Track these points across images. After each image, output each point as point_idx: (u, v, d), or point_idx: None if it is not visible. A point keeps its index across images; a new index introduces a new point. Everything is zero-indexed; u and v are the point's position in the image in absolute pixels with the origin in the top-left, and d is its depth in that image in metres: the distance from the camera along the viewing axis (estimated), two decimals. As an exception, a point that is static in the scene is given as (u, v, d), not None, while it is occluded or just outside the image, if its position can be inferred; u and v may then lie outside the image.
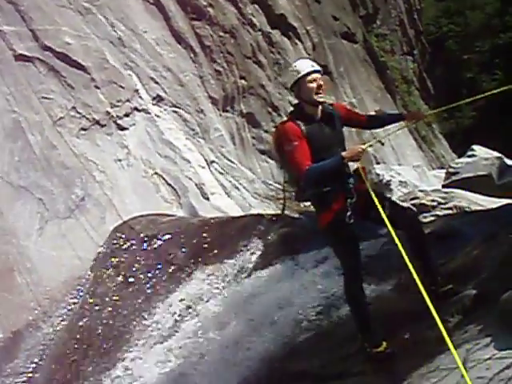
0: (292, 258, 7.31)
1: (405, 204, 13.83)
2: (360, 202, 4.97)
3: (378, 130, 5.91)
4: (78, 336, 8.81)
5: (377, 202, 4.70)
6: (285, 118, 15.26)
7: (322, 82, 5.11)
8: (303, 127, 5.00)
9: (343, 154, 4.86)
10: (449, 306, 5.38)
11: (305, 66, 5.15)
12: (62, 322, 9.24)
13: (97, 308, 8.98)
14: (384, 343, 5.04)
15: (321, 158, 4.90)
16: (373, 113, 5.77)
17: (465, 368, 4.18)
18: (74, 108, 11.42)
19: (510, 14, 34.07)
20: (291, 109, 5.39)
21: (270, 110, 16.71)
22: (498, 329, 4.42)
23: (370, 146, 4.98)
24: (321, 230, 5.17)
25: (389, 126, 5.59)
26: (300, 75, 5.10)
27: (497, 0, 36.39)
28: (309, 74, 5.10)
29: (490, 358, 4.12)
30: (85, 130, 11.45)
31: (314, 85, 5.07)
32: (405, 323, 5.47)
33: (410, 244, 5.04)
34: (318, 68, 5.16)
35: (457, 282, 5.64)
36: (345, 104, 5.47)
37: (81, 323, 8.98)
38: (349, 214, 4.89)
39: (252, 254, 7.97)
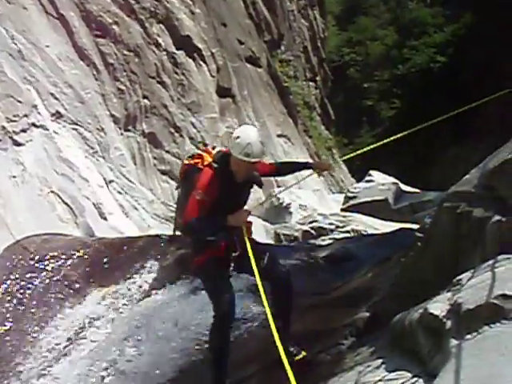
0: (188, 280, 7.25)
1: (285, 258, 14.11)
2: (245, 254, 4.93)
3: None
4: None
5: (251, 255, 4.68)
6: (187, 141, 15.22)
7: (252, 169, 5.06)
8: (220, 186, 4.92)
9: (229, 217, 4.87)
10: (342, 329, 5.48)
11: (258, 152, 4.92)
12: None
13: (-15, 331, 8.56)
14: None
15: (220, 210, 4.88)
16: (284, 160, 5.80)
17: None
18: (-32, 121, 10.98)
19: (407, 47, 35.65)
20: (218, 151, 5.19)
21: (172, 130, 16.67)
22: (389, 351, 4.51)
23: (261, 204, 5.04)
24: (192, 270, 5.18)
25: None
26: (246, 159, 4.91)
27: (395, 32, 37.99)
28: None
29: (380, 380, 4.19)
30: (-21, 144, 11.02)
31: (244, 170, 4.99)
32: (300, 345, 5.51)
33: (276, 301, 5.04)
34: (255, 160, 4.95)
35: (351, 305, 5.73)
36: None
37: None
38: (232, 267, 5.05)
39: (149, 274, 7.86)
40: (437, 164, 26.79)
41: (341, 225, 14.33)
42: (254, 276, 4.83)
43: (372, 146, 6.26)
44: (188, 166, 5.26)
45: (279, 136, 22.15)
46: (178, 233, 5.43)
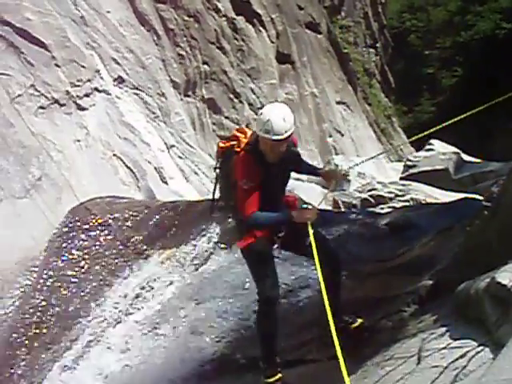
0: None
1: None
2: (290, 233, 4.91)
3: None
4: (30, 318, 8.65)
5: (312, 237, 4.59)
6: (246, 107, 15.22)
7: (284, 149, 4.81)
8: (260, 171, 4.76)
9: (293, 214, 4.74)
10: (405, 296, 5.44)
11: (278, 129, 4.65)
12: (15, 304, 9.06)
13: (50, 290, 8.82)
14: (278, 375, 4.92)
15: (266, 200, 4.75)
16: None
17: (420, 356, 4.25)
18: (32, 86, 11.17)
19: (471, 13, 34.56)
20: (249, 135, 4.98)
21: (231, 96, 16.68)
22: (453, 319, 4.47)
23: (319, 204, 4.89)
24: (241, 251, 5.09)
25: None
26: (266, 136, 4.70)
27: (458, -2, 36.90)
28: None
29: (444, 348, 4.15)
30: (43, 108, 11.22)
31: (270, 150, 4.79)
32: (360, 312, 5.51)
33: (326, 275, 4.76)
34: (288, 134, 4.72)
35: (413, 273, 5.68)
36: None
37: (33, 305, 8.80)
38: (276, 246, 4.93)
39: (210, 238, 7.92)
40: (500, 134, 26.10)
41: (400, 193, 14.17)
42: (299, 254, 4.84)
43: (441, 126, 5.99)
44: (223, 149, 5.11)
45: (338, 103, 21.95)
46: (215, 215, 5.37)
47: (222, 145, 5.17)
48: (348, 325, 5.07)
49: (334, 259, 5.09)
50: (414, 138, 6.12)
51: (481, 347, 3.90)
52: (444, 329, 4.43)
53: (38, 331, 8.37)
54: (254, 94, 17.44)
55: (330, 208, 13.47)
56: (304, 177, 17.31)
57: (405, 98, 33.12)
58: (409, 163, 17.93)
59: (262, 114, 4.78)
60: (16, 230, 9.77)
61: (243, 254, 5.11)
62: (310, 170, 5.51)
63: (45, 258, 9.42)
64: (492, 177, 14.18)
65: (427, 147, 18.64)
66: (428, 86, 35.36)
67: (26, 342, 8.31)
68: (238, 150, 4.93)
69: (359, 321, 5.14)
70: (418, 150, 21.06)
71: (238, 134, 5.06)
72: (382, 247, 6.91)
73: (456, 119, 5.89)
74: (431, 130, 6.05)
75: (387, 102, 28.52)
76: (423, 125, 30.46)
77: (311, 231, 4.62)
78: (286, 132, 4.70)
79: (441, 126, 5.98)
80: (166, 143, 13.04)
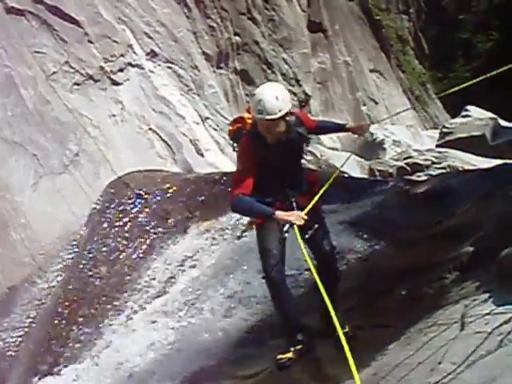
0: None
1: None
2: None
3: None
4: (72, 292, 8.82)
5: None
6: (279, 77, 15.11)
7: (281, 129, 4.71)
8: (258, 152, 4.69)
9: (277, 213, 4.52)
10: (446, 263, 5.42)
11: (271, 108, 4.59)
12: (57, 278, 9.25)
13: (91, 264, 8.97)
14: (288, 354, 4.85)
15: (267, 182, 4.68)
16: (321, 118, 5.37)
17: (463, 323, 4.24)
18: (67, 63, 11.24)
19: (506, -25, 33.67)
20: (247, 117, 4.96)
21: (264, 67, 16.60)
22: (496, 285, 4.44)
23: (308, 211, 4.55)
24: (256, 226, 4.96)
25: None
26: (259, 117, 4.63)
27: (494, -40, 35.90)
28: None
29: (488, 314, 4.14)
30: (78, 84, 11.29)
31: (264, 131, 4.71)
32: (401, 279, 5.51)
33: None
34: (282, 112, 4.62)
35: (454, 240, 5.65)
36: (305, 112, 5.03)
37: (75, 279, 8.97)
38: (285, 228, 4.49)
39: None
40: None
41: (436, 161, 14.05)
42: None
43: (473, 81, 5.85)
44: (232, 131, 5.09)
45: (372, 71, 21.71)
46: None
47: (230, 127, 5.15)
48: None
49: (328, 263, 4.95)
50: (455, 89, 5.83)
51: (526, 312, 3.89)
52: (487, 295, 4.41)
53: (80, 304, 8.53)
54: (287, 64, 17.34)
55: (365, 176, 13.40)
56: (339, 145, 17.29)
57: (439, 64, 32.54)
58: (445, 130, 17.71)
59: (254, 94, 4.72)
60: (56, 205, 9.93)
61: (256, 228, 4.98)
62: (334, 128, 5.46)
63: (85, 232, 9.57)
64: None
65: (463, 113, 18.40)
66: (463, 51, 34.65)
67: (69, 315, 8.48)
68: (245, 131, 4.90)
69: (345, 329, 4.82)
70: (453, 117, 20.79)
71: (245, 115, 5.02)
72: (420, 215, 6.86)
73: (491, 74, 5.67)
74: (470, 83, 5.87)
75: (421, 69, 28.09)
76: (459, 91, 30.00)
77: (298, 235, 4.42)
78: (279, 111, 4.60)
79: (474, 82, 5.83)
80: (200, 116, 13.06)
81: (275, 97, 4.62)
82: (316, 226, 4.79)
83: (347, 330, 4.84)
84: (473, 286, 4.75)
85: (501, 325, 3.94)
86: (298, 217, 4.49)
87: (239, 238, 7.62)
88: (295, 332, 4.89)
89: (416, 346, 4.29)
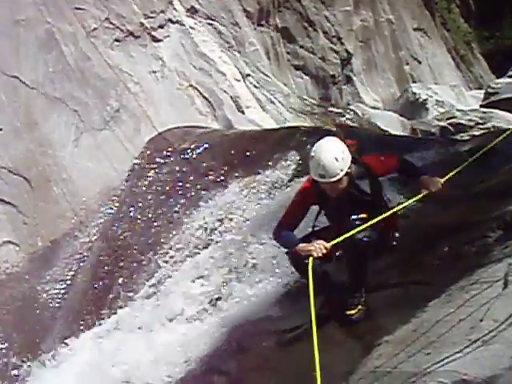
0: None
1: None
2: None
3: None
4: (113, 246, 8.94)
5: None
6: (321, 35, 14.88)
7: (335, 188, 4.70)
8: (316, 198, 4.87)
9: (300, 246, 4.62)
10: (489, 222, 5.33)
11: (313, 170, 4.70)
12: (98, 232, 9.38)
13: (132, 219, 9.06)
14: (356, 309, 4.90)
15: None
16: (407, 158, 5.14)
17: (506, 281, 4.17)
18: (107, 19, 11.23)
19: None
20: None
21: (305, 24, 16.35)
22: (541, 244, 4.36)
23: (334, 244, 4.56)
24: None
25: None
26: (322, 181, 4.69)
27: None
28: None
29: (532, 272, 4.07)
30: (119, 41, 11.30)
31: (334, 189, 4.72)
32: (443, 237, 5.43)
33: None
34: (327, 180, 4.64)
35: (497, 199, 5.53)
36: (375, 155, 5.03)
37: (116, 234, 9.08)
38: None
39: (288, 166, 7.88)
40: None
41: (481, 121, 13.77)
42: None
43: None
44: None
45: (415, 30, 21.21)
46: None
47: None
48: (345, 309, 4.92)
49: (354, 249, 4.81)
50: None
51: None
52: (531, 253, 4.34)
53: (120, 258, 8.65)
54: (329, 21, 17.03)
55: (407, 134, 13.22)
56: (380, 105, 17.05)
57: (485, 22, 31.64)
58: (490, 90, 17.29)
59: (313, 156, 4.71)
60: (97, 160, 10.04)
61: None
62: (413, 175, 5.12)
63: (125, 187, 9.65)
64: None
65: (509, 73, 17.94)
66: (511, 8, 33.66)
67: (109, 268, 8.62)
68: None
69: (358, 308, 4.90)
70: (499, 77, 20.29)
71: None
72: (464, 173, 6.72)
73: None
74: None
75: (467, 28, 27.33)
76: (505, 51, 29.23)
77: (310, 266, 4.41)
78: (341, 171, 4.61)
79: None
80: (241, 73, 12.95)
81: (335, 158, 4.61)
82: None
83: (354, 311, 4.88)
84: (517, 245, 4.67)
85: (545, 283, 3.88)
86: (319, 248, 4.52)
87: (279, 192, 7.56)
88: (361, 290, 4.96)
89: (457, 303, 4.25)
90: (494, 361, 3.44)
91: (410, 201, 5.08)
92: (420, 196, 4.98)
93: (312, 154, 4.73)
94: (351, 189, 4.80)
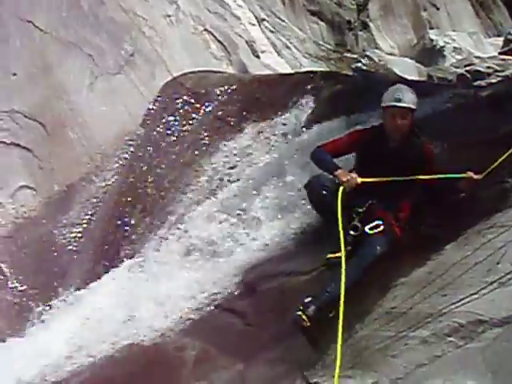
0: (346, 115, 7.16)
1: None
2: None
3: None
4: (129, 190, 8.98)
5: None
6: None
7: (401, 122, 4.84)
8: (367, 141, 4.98)
9: (338, 172, 4.76)
10: (507, 167, 5.28)
11: (390, 96, 4.88)
12: (114, 177, 9.42)
13: (147, 163, 9.08)
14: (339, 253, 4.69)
15: (363, 170, 4.87)
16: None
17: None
18: (122, -37, 11.08)
19: None
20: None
21: (321, -31, 16.03)
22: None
23: (366, 182, 4.73)
24: None
25: None
26: (382, 104, 4.93)
27: None
28: (390, 107, 4.86)
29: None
30: (133, -16, 11.16)
31: (391, 122, 4.88)
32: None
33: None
34: (403, 105, 4.82)
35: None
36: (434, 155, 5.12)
37: (132, 178, 9.12)
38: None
39: (304, 110, 7.83)
40: None
41: (499, 69, 13.55)
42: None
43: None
44: None
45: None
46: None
47: None
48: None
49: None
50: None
51: None
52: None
53: (136, 202, 8.70)
54: (345, -34, 16.70)
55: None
56: (396, 51, 16.80)
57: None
58: (509, 37, 16.97)
59: (389, 89, 4.98)
60: (112, 105, 10.04)
61: None
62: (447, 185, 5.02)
63: (141, 132, 9.65)
64: None
65: (530, 19, 17.61)
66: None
67: (126, 213, 8.68)
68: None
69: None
70: (519, 24, 19.93)
71: None
72: (481, 119, 6.65)
73: None
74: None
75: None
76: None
77: (340, 195, 4.58)
78: (413, 104, 4.84)
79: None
80: (256, 17, 12.80)
81: (412, 91, 4.92)
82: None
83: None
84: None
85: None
86: (352, 181, 4.68)
87: (294, 137, 7.52)
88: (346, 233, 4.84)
89: (474, 246, 4.27)
90: (510, 302, 3.48)
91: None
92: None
93: (388, 89, 4.97)
94: (409, 146, 4.95)
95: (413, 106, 4.86)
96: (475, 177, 4.89)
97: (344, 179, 4.69)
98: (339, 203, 4.52)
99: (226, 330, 5.56)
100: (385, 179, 4.75)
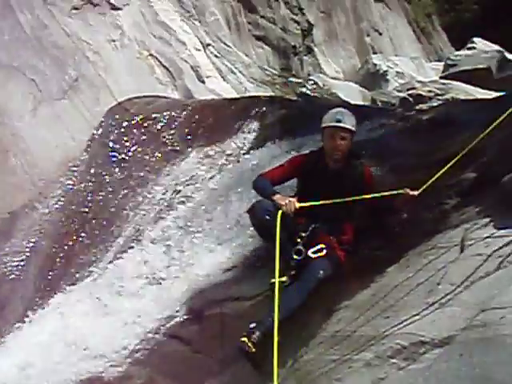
0: (291, 137, 7.23)
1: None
2: None
3: None
4: (73, 217, 8.84)
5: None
6: (282, 5, 14.82)
7: (340, 143, 4.92)
8: (307, 166, 5.06)
9: (276, 196, 4.83)
10: (447, 189, 5.39)
11: (330, 118, 4.99)
12: (58, 203, 9.26)
13: (91, 189, 8.96)
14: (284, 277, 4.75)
15: (304, 195, 4.94)
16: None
17: (463, 245, 4.24)
18: (64, -14, 11.01)
19: None
20: None
21: (267, -6, 16.23)
22: (498, 210, 4.43)
23: (304, 207, 4.79)
24: None
25: None
26: (322, 125, 5.03)
27: None
28: (330, 127, 4.96)
29: (488, 237, 4.15)
30: (77, 9, 11.11)
31: (330, 142, 4.96)
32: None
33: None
34: (342, 125, 4.92)
35: (456, 166, 5.59)
36: (373, 176, 5.28)
37: (76, 205, 8.97)
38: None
39: (249, 135, 7.86)
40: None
41: (440, 93, 13.91)
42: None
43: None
44: None
45: (376, 1, 21.27)
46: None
47: None
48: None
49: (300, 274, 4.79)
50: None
51: (527, 235, 3.89)
52: (488, 219, 4.41)
53: (80, 230, 8.56)
54: (290, -9, 16.97)
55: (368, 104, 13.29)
56: (341, 76, 17.09)
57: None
58: (449, 62, 17.47)
59: (330, 112, 5.06)
60: (56, 130, 9.90)
61: None
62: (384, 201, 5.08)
63: (85, 157, 9.53)
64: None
65: (469, 45, 18.11)
66: (470, -19, 33.78)
67: (69, 241, 8.52)
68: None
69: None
70: (458, 49, 20.47)
71: None
72: (423, 141, 6.79)
73: None
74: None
75: (427, 0, 27.50)
76: (465, 23, 29.41)
77: (279, 219, 4.63)
78: (353, 126, 4.95)
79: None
80: (201, 42, 12.84)
81: (351, 114, 5.04)
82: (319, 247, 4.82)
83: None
84: (474, 211, 4.74)
85: (501, 247, 3.95)
86: (290, 205, 4.75)
87: (238, 161, 7.55)
88: (289, 257, 4.88)
89: (415, 268, 4.33)
90: (450, 322, 3.52)
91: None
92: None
93: (329, 111, 5.07)
94: (348, 168, 5.04)
95: (352, 128, 4.97)
96: (411, 193, 4.96)
97: (282, 203, 4.75)
98: (278, 227, 4.54)
99: (173, 358, 5.50)
100: (322, 202, 4.82)
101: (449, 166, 5.10)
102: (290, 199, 4.81)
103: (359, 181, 5.04)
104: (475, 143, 5.38)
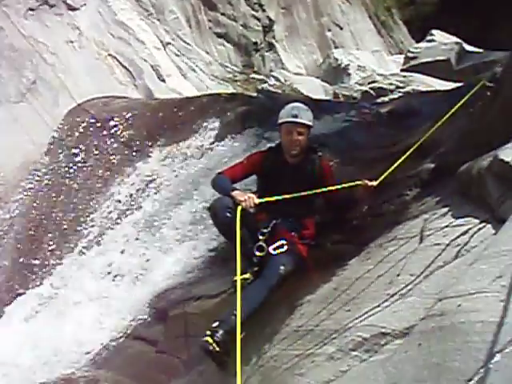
0: (251, 136, 7.22)
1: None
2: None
3: None
4: (35, 221, 8.74)
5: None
6: (242, 2, 14.78)
7: (297, 138, 4.92)
8: (265, 162, 5.06)
9: (235, 192, 4.77)
10: (406, 180, 5.44)
11: (286, 113, 4.98)
12: (19, 208, 9.14)
13: (53, 192, 8.86)
14: (247, 274, 4.74)
15: (264, 191, 4.93)
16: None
17: (422, 236, 4.27)
18: (19, -13, 10.87)
19: None
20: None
21: (226, -9, 16.21)
22: (456, 199, 4.47)
23: (263, 202, 4.76)
24: None
25: None
26: (279, 121, 5.02)
27: None
28: (286, 122, 4.95)
29: (447, 226, 4.17)
30: (33, 10, 10.97)
31: (287, 137, 4.96)
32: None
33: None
34: (299, 120, 4.92)
35: (415, 157, 5.65)
36: (332, 170, 5.26)
37: (38, 208, 8.87)
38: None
39: (209, 132, 7.84)
40: (504, 23, 25.33)
41: (401, 85, 14.04)
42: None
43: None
44: None
45: (336, -5, 21.35)
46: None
47: None
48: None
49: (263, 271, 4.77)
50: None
51: (483, 224, 3.92)
52: (446, 209, 4.43)
53: (42, 233, 8.46)
54: (250, -12, 16.95)
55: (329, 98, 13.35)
56: (303, 71, 17.13)
57: (405, -12, 31.97)
58: (409, 55, 17.50)
59: (285, 107, 5.06)
60: (15, 134, 9.77)
61: None
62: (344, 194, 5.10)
63: (45, 160, 9.41)
64: (493, 67, 13.93)
65: (428, 38, 18.21)
66: None
67: (32, 245, 8.42)
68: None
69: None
70: (418, 42, 20.64)
71: None
72: (383, 134, 6.84)
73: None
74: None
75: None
76: (425, 17, 29.66)
77: (238, 215, 4.53)
78: (310, 121, 4.95)
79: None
80: (161, 41, 12.80)
81: (307, 109, 5.03)
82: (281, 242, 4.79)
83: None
84: (433, 201, 4.77)
85: (458, 236, 3.98)
86: (249, 201, 4.68)
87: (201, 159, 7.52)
88: (251, 254, 4.86)
89: (376, 260, 4.33)
90: (411, 312, 3.53)
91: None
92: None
93: (284, 107, 5.06)
94: (307, 162, 5.04)
95: (309, 123, 4.97)
96: (370, 183, 4.98)
97: (241, 199, 4.70)
98: (238, 222, 4.48)
99: (138, 359, 5.47)
100: (281, 197, 4.79)
101: (404, 157, 5.15)
102: (249, 195, 4.76)
103: (318, 174, 5.04)
104: (428, 135, 5.42)
